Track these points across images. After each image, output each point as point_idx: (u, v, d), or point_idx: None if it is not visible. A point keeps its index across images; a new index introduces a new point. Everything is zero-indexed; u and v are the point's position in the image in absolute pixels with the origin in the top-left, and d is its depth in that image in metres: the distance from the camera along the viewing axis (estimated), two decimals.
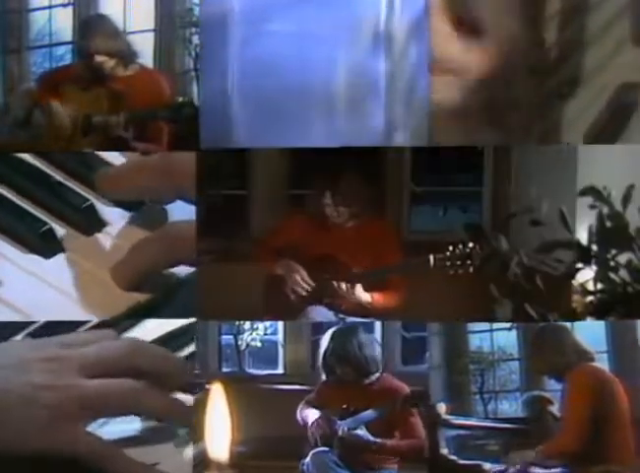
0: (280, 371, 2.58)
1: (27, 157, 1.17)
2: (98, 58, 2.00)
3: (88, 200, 0.99)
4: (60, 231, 0.98)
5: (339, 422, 2.16)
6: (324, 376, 2.22)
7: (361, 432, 2.15)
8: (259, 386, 2.45)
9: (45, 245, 0.97)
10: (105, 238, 1.00)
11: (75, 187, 1.00)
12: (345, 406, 2.16)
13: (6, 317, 0.99)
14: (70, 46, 2.05)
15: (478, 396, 2.45)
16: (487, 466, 2.16)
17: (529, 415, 2.29)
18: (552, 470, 2.02)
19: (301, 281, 2.19)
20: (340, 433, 2.13)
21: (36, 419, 1.00)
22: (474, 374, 2.43)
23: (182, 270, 1.04)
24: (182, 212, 1.07)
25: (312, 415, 2.20)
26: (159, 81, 2.00)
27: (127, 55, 2.03)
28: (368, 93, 1.83)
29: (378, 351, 2.20)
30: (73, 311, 0.95)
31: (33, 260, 0.96)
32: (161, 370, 1.06)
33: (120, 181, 1.03)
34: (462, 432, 2.28)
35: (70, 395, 1.00)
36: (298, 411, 2.23)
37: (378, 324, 2.31)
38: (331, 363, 2.20)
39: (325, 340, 2.20)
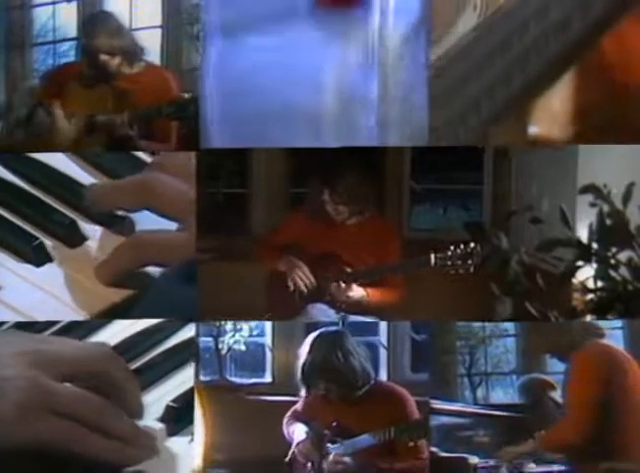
0: (267, 379, 2.22)
1: (20, 183, 1.39)
2: (103, 57, 1.97)
3: (71, 219, 1.22)
4: (49, 244, 1.21)
5: (330, 446, 1.96)
6: (304, 392, 2.03)
7: (350, 460, 1.92)
8: (243, 397, 2.14)
9: (37, 256, 1.22)
10: (86, 250, 1.24)
11: (60, 208, 1.23)
12: (334, 423, 1.97)
13: (6, 317, 1.21)
14: (74, 43, 2.02)
15: (465, 379, 2.10)
16: (474, 460, 1.92)
17: (526, 401, 2.00)
18: (552, 467, 1.82)
19: (303, 277, 2.11)
20: (330, 461, 1.93)
21: (5, 412, 0.99)
22: (461, 353, 2.08)
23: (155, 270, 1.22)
24: (150, 221, 1.28)
25: (299, 432, 2.00)
26: (166, 78, 1.96)
27: (133, 53, 1.99)
28: (360, 113, 1.74)
29: (366, 359, 2.01)
30: (61, 311, 1.18)
31: (27, 268, 1.19)
32: (130, 385, 1.10)
33: (105, 196, 1.27)
34: (445, 419, 2.00)
35: (39, 388, 1.00)
36: (284, 425, 2.04)
37: (384, 325, 2.11)
38: (311, 377, 2.01)
39: (304, 350, 2.02)
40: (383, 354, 2.06)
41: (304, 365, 2.01)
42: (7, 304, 1.18)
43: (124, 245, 1.23)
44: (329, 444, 1.95)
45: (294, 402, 2.05)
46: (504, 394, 2.08)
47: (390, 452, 1.94)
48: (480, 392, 2.08)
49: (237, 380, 2.16)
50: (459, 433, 2.00)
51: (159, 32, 1.98)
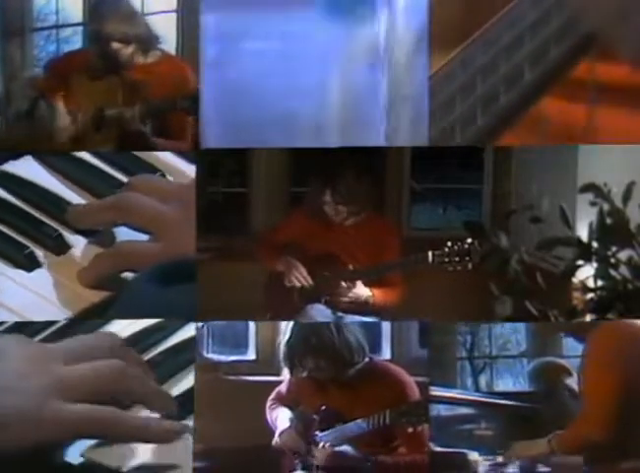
0: (250, 356, 1.95)
1: (13, 200, 1.54)
2: (115, 45, 1.82)
3: (57, 230, 1.40)
4: (39, 252, 1.39)
5: (318, 434, 1.78)
6: (287, 373, 1.83)
7: (347, 448, 1.75)
8: (222, 377, 1.90)
9: (28, 263, 1.39)
10: (70, 257, 1.41)
11: (49, 222, 1.40)
12: (323, 407, 1.79)
13: (2, 317, 1.39)
14: (79, 28, 1.85)
15: (466, 363, 1.84)
16: (475, 456, 1.70)
17: (537, 390, 1.77)
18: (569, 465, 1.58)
19: (300, 277, 1.99)
20: (319, 450, 1.75)
21: (22, 409, 1.04)
22: (461, 333, 1.85)
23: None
24: (127, 234, 1.46)
25: (283, 418, 1.82)
26: (183, 69, 1.82)
27: (148, 41, 1.84)
28: (366, 120, 1.69)
29: (362, 333, 1.81)
30: (49, 310, 1.35)
31: (20, 273, 1.38)
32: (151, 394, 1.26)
33: (86, 216, 1.41)
34: (442, 409, 1.75)
35: (53, 379, 1.05)
36: (267, 410, 1.85)
37: None
38: (297, 354, 1.80)
39: (287, 324, 1.83)
40: (386, 328, 1.84)
41: (289, 340, 1.81)
42: (3, 305, 1.37)
43: (104, 253, 1.41)
44: (317, 432, 1.78)
45: (280, 383, 1.87)
46: (512, 381, 1.84)
47: (386, 440, 1.76)
48: (483, 379, 1.84)
49: (215, 358, 1.90)
50: (457, 425, 1.78)
51: (173, 16, 1.83)
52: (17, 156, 1.66)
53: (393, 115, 1.64)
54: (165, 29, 1.81)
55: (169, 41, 1.82)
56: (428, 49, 1.62)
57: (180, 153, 1.67)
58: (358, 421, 1.76)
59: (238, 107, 1.69)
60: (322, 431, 1.77)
